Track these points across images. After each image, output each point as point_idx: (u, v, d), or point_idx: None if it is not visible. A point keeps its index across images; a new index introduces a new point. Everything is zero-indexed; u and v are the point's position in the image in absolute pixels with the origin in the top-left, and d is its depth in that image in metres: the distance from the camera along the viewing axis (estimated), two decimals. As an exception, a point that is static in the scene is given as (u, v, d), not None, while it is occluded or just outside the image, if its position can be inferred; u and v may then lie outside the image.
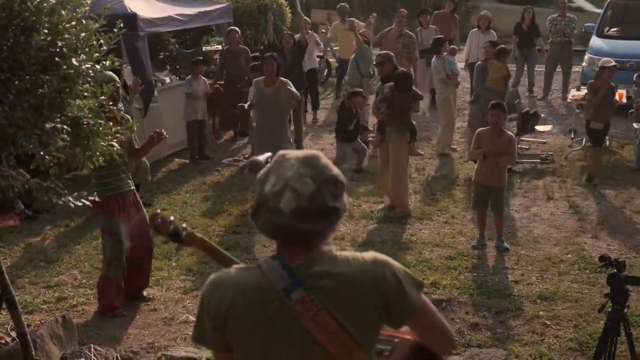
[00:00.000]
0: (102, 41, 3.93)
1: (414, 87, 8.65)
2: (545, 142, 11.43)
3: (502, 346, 5.46)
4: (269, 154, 2.46)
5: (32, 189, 4.11)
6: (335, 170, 2.16)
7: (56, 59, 3.71)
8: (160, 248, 7.10)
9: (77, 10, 3.87)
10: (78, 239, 7.74)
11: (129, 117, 6.18)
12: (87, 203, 4.02)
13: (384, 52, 9.68)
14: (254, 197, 2.17)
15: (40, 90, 3.70)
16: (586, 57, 14.08)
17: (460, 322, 5.83)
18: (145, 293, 6.35)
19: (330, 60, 16.45)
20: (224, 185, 9.66)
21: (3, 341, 4.99)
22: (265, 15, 13.80)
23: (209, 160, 10.75)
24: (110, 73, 5.44)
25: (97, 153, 4.04)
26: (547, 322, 5.83)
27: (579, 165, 10.22)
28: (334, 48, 15.29)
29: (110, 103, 4.17)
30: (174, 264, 7.05)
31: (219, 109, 11.82)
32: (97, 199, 4.17)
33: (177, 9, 11.11)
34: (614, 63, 9.46)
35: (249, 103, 8.79)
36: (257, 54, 11.32)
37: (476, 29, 13.31)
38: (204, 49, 14.44)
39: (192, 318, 5.73)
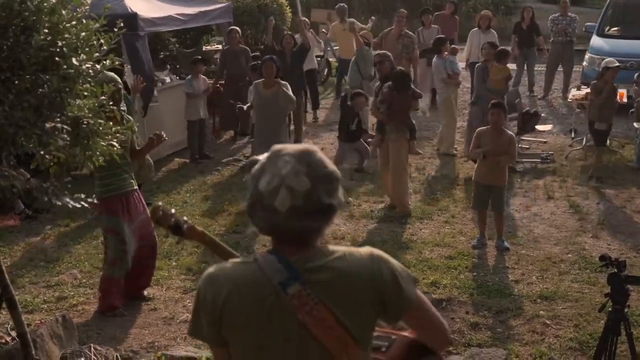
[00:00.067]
0: (102, 41, 3.93)
1: (412, 86, 8.66)
2: (545, 142, 11.43)
3: (502, 346, 5.46)
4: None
5: (33, 189, 4.11)
6: (330, 165, 2.15)
7: (56, 58, 3.70)
8: (160, 248, 7.09)
9: (78, 9, 3.87)
10: (78, 239, 7.74)
11: (130, 117, 6.19)
12: (86, 205, 4.02)
13: (381, 52, 9.71)
14: (248, 192, 2.16)
15: (40, 90, 3.70)
16: (587, 56, 14.08)
17: (461, 322, 5.83)
18: (145, 292, 6.35)
19: (330, 59, 16.44)
20: (224, 184, 9.66)
21: (3, 341, 4.98)
22: (267, 17, 13.83)
23: (209, 160, 10.75)
24: (112, 73, 5.45)
25: (97, 153, 4.04)
26: (548, 322, 5.82)
27: (579, 165, 10.22)
28: (334, 48, 15.28)
29: (111, 103, 4.17)
30: (174, 263, 7.05)
31: (218, 108, 11.83)
32: (95, 200, 4.17)
33: (178, 9, 11.12)
34: (617, 63, 9.43)
35: (248, 104, 8.80)
36: (258, 53, 11.32)
37: (476, 28, 13.31)
38: (204, 48, 14.44)
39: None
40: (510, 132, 7.53)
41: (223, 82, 11.66)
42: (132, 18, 9.41)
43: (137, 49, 9.71)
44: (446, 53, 10.95)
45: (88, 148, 3.97)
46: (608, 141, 10.17)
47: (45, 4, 3.67)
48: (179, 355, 5.13)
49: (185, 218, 2.76)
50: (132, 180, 6.04)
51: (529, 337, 5.60)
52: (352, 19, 14.72)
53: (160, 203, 2.84)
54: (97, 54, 3.91)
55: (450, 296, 6.28)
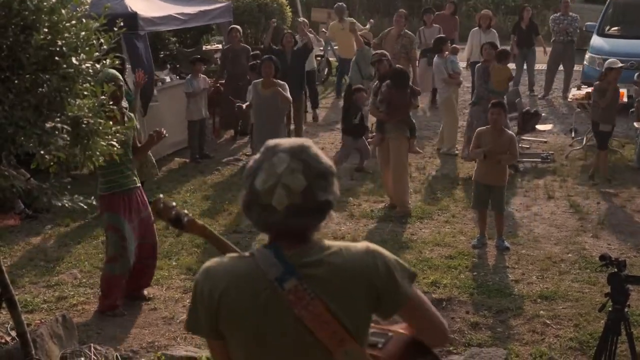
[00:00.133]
0: (102, 40, 3.93)
1: (410, 84, 8.67)
2: (545, 141, 11.43)
3: (502, 345, 5.45)
4: None
5: (33, 189, 4.11)
6: (325, 160, 2.15)
7: (56, 58, 3.70)
8: (160, 247, 7.08)
9: (77, 9, 3.87)
10: (78, 239, 7.74)
11: (131, 115, 6.19)
12: (84, 206, 4.02)
13: (379, 51, 9.72)
14: (244, 189, 2.16)
15: (40, 89, 3.70)
16: (587, 56, 14.07)
17: (461, 322, 5.83)
18: (145, 292, 6.35)
19: (330, 59, 16.45)
20: (224, 184, 9.66)
21: (3, 340, 4.98)
22: (267, 17, 13.84)
23: (209, 160, 10.75)
24: (113, 71, 5.44)
25: (97, 153, 4.03)
26: (548, 322, 5.82)
27: (579, 165, 10.22)
28: (334, 47, 15.29)
29: (111, 102, 4.16)
30: (174, 263, 7.05)
31: (219, 108, 11.82)
32: (95, 202, 4.17)
33: (178, 8, 11.11)
34: (620, 64, 9.39)
35: (247, 103, 8.80)
36: (257, 52, 11.31)
37: (477, 28, 13.30)
38: (204, 48, 14.44)
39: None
40: (510, 132, 7.53)
41: (223, 81, 11.66)
42: (132, 17, 9.41)
43: (138, 48, 9.71)
44: (447, 53, 10.95)
45: (88, 148, 3.97)
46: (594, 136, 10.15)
47: (44, 3, 3.67)
48: (179, 355, 5.13)
49: (185, 211, 2.76)
50: (135, 178, 6.04)
51: (529, 337, 5.60)
52: (351, 19, 14.73)
53: (161, 195, 2.83)
54: (97, 53, 3.90)
55: (450, 296, 6.28)
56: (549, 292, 6.31)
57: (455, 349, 5.43)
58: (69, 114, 3.83)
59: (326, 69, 16.53)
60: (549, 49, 14.41)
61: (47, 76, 3.69)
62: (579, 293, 6.30)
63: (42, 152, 3.79)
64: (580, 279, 6.58)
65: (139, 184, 6.11)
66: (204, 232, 2.81)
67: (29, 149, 3.78)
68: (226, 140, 12.13)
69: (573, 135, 11.54)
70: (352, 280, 2.10)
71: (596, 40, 14.29)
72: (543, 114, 12.57)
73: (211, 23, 13.06)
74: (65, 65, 3.72)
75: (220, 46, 14.05)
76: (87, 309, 6.16)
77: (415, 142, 8.84)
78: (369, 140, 10.11)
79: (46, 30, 3.67)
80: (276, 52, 10.53)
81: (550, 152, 10.63)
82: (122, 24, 4.11)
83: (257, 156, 2.16)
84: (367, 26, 14.63)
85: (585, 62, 14.06)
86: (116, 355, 5.19)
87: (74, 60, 3.74)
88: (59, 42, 3.69)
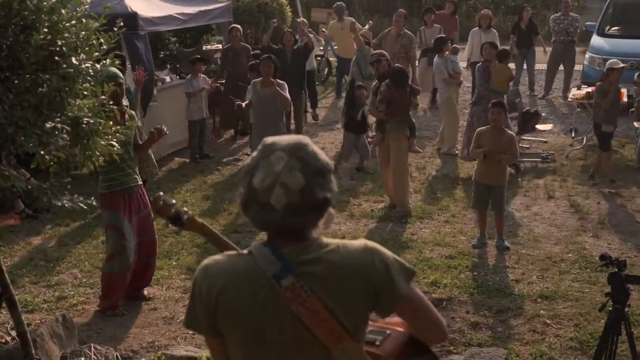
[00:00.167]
0: (102, 40, 3.93)
1: (409, 82, 8.67)
2: (546, 141, 11.42)
3: (502, 345, 5.45)
4: None
5: (33, 189, 4.11)
6: (322, 157, 2.15)
7: (56, 58, 3.70)
8: (160, 247, 7.09)
9: (77, 9, 3.87)
10: (78, 238, 7.74)
11: (132, 112, 6.19)
12: (84, 207, 4.02)
13: (378, 51, 9.72)
14: (242, 187, 2.16)
15: (40, 89, 3.70)
16: (587, 55, 14.07)
17: (461, 321, 5.83)
18: (145, 292, 6.35)
19: (330, 59, 16.45)
20: (224, 184, 9.66)
21: (3, 340, 4.98)
22: (267, 17, 13.83)
23: (209, 160, 10.75)
24: (114, 69, 5.44)
25: (97, 153, 4.03)
26: (548, 321, 5.82)
27: (579, 164, 10.21)
28: (334, 47, 15.29)
29: (111, 102, 4.16)
30: (174, 263, 7.05)
31: (219, 108, 11.82)
32: (95, 202, 4.18)
33: (178, 8, 11.11)
34: (622, 65, 9.36)
35: (246, 102, 8.81)
36: (258, 51, 11.32)
37: (477, 28, 13.30)
38: (204, 48, 14.44)
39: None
40: (510, 132, 7.52)
41: (224, 81, 11.65)
42: (132, 17, 9.41)
43: (138, 48, 9.71)
44: (447, 53, 10.94)
45: (88, 148, 3.97)
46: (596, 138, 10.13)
47: (44, 3, 3.66)
48: (179, 354, 5.13)
49: (185, 209, 2.76)
50: (136, 176, 6.04)
51: (530, 337, 5.60)
52: (351, 18, 14.73)
53: (161, 193, 2.83)
54: (96, 53, 3.90)
55: (450, 296, 6.28)
56: (549, 292, 6.30)
57: (456, 348, 5.43)
58: (69, 114, 3.83)
59: (326, 69, 16.53)
60: (548, 49, 14.41)
61: (47, 76, 3.69)
62: (579, 293, 6.30)
63: (42, 152, 3.79)
64: (581, 279, 6.58)
65: (140, 182, 6.10)
66: (203, 230, 2.80)
67: (29, 149, 3.78)
68: (226, 140, 12.13)
69: (573, 135, 11.54)
70: (350, 278, 2.11)
71: (596, 40, 14.29)
72: (543, 114, 12.57)
73: (211, 23, 13.06)
74: (65, 65, 3.72)
75: (220, 46, 14.05)
76: (87, 308, 6.16)
77: (415, 141, 8.84)
78: (369, 140, 10.10)
79: (46, 30, 3.67)
80: (276, 51, 10.52)
81: (550, 152, 10.63)
82: (122, 23, 4.11)
83: (254, 153, 2.16)
84: (366, 26, 14.63)
85: (585, 62, 14.06)
86: (116, 355, 5.19)
87: (73, 60, 3.74)
88: (59, 42, 3.69)
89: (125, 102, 6.42)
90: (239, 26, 11.92)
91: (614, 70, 9.18)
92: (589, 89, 11.30)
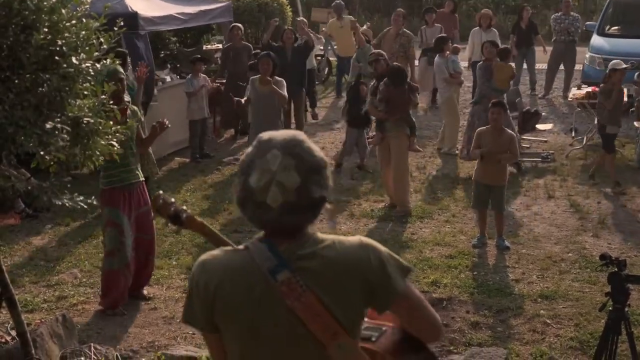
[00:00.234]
0: (102, 40, 3.93)
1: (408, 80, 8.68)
2: (546, 141, 11.42)
3: (502, 345, 5.45)
4: None
5: (33, 188, 4.11)
6: (318, 153, 2.15)
7: (56, 57, 3.70)
8: (160, 247, 7.09)
9: (77, 8, 3.87)
10: (78, 238, 7.74)
11: (135, 108, 6.18)
12: (84, 206, 4.02)
13: (376, 51, 9.73)
14: (238, 184, 2.16)
15: (40, 89, 3.70)
16: (587, 55, 14.07)
17: (461, 321, 5.83)
18: (145, 292, 6.35)
19: (330, 59, 16.46)
20: (225, 184, 9.66)
21: (3, 340, 4.98)
22: (267, 16, 13.83)
23: (210, 159, 10.75)
24: (115, 65, 5.42)
25: (97, 152, 4.03)
26: (548, 321, 5.82)
27: (579, 164, 10.21)
28: (334, 46, 15.30)
29: (111, 102, 4.16)
30: (174, 262, 7.05)
31: (219, 107, 11.82)
32: (95, 201, 4.18)
33: (178, 8, 11.11)
34: (625, 65, 9.32)
35: (245, 98, 8.82)
36: (259, 50, 11.32)
37: (477, 27, 13.30)
38: (204, 47, 14.44)
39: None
40: (510, 132, 7.51)
41: (224, 80, 11.64)
42: (132, 17, 9.41)
43: (138, 48, 9.71)
44: (448, 52, 10.93)
45: (88, 148, 3.97)
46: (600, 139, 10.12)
47: (45, 3, 3.67)
48: (179, 354, 5.13)
49: (184, 207, 2.77)
50: (138, 172, 6.04)
51: (530, 337, 5.60)
52: (350, 17, 14.73)
53: (161, 192, 2.83)
54: (97, 53, 3.90)
55: (450, 295, 6.28)
56: (549, 292, 6.30)
57: (456, 348, 5.43)
58: (69, 113, 3.83)
59: (326, 69, 16.53)
60: (548, 48, 14.42)
61: (47, 76, 3.69)
62: (580, 292, 6.30)
63: (42, 152, 3.79)
64: (581, 279, 6.58)
65: (141, 179, 6.09)
66: (202, 229, 2.81)
67: (29, 149, 3.78)
68: (226, 139, 12.13)
69: (573, 134, 11.53)
70: (346, 274, 2.11)
71: (596, 40, 14.29)
72: (543, 114, 12.58)
73: (211, 23, 13.06)
74: (65, 65, 3.72)
75: (220, 46, 14.05)
76: (87, 308, 6.16)
77: (416, 140, 8.83)
78: (369, 140, 10.10)
79: (46, 29, 3.67)
80: (276, 48, 10.52)
81: (550, 151, 10.62)
82: (122, 23, 4.11)
83: (250, 150, 2.17)
84: (364, 27, 14.64)
85: (585, 62, 14.06)
86: (116, 355, 5.19)
87: (74, 59, 3.74)
88: (59, 42, 3.69)
89: (127, 97, 6.40)
90: (240, 25, 11.92)
91: (617, 70, 9.14)
92: (589, 89, 11.31)
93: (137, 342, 5.58)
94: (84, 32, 3.80)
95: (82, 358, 4.95)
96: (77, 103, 3.88)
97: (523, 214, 8.35)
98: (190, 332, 5.58)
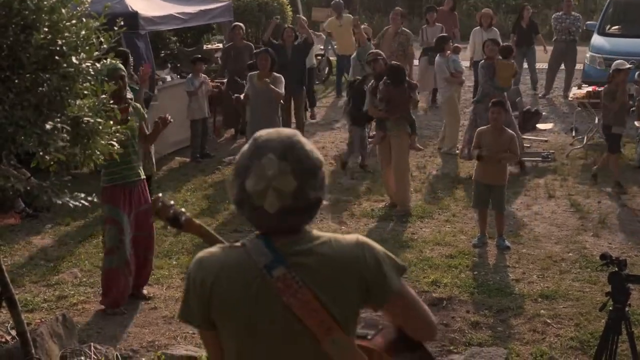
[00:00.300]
0: (102, 39, 3.93)
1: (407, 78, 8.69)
2: (546, 141, 11.42)
3: (503, 345, 5.45)
4: None
5: (33, 188, 4.11)
6: (314, 154, 2.15)
7: (56, 57, 3.70)
8: (160, 246, 7.10)
9: (77, 8, 3.87)
10: (78, 238, 7.74)
11: (137, 105, 6.18)
12: (86, 204, 4.02)
13: (374, 50, 9.73)
14: (234, 187, 2.17)
15: (40, 88, 3.70)
16: (588, 55, 14.07)
17: (461, 321, 5.83)
18: (145, 291, 6.35)
19: (331, 58, 16.46)
20: (225, 183, 9.65)
21: (3, 340, 4.98)
22: (267, 16, 13.82)
23: (210, 159, 10.75)
24: (118, 63, 5.41)
25: (97, 152, 4.03)
26: (548, 321, 5.82)
27: (580, 164, 10.21)
28: (334, 46, 15.30)
29: (111, 102, 4.16)
30: (174, 262, 7.05)
31: (219, 107, 11.81)
32: (96, 199, 4.17)
33: (178, 7, 11.11)
34: (628, 65, 9.29)
35: (243, 94, 8.84)
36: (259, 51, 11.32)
37: (478, 27, 13.29)
38: (205, 47, 14.44)
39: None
40: (510, 131, 7.50)
41: (225, 80, 11.63)
42: (132, 17, 9.42)
43: (138, 48, 9.71)
44: (449, 52, 10.92)
45: (88, 147, 3.97)
46: (605, 139, 10.11)
47: (45, 3, 3.66)
48: (179, 354, 5.13)
49: (183, 210, 2.77)
50: (139, 170, 6.04)
51: (530, 336, 5.59)
52: (349, 15, 14.73)
53: (160, 194, 2.84)
54: (97, 52, 3.90)
55: (450, 295, 6.28)
56: (550, 292, 6.30)
57: (456, 348, 5.43)
58: (69, 114, 3.83)
59: (327, 68, 16.53)
60: (549, 48, 14.42)
61: (47, 75, 3.69)
62: (580, 292, 6.30)
63: (41, 152, 3.79)
64: (581, 278, 6.57)
65: (143, 177, 6.09)
66: (200, 232, 2.81)
67: (29, 149, 3.78)
68: (226, 139, 12.13)
69: (574, 134, 11.53)
70: (342, 271, 2.12)
71: (597, 40, 14.29)
72: (544, 113, 12.59)
73: (212, 22, 13.06)
74: (65, 65, 3.72)
75: (220, 45, 14.05)
76: (87, 308, 6.16)
77: (417, 138, 8.82)
78: (370, 140, 10.10)
79: (46, 29, 3.67)
80: (276, 46, 10.52)
81: (550, 151, 10.62)
82: (122, 23, 4.10)
83: (245, 150, 2.17)
84: (363, 25, 14.66)
85: (585, 61, 14.06)
86: (116, 355, 5.19)
87: (74, 59, 3.73)
88: (59, 42, 3.69)
89: (129, 94, 6.39)
90: (241, 24, 11.91)
91: (621, 71, 9.11)
92: (590, 88, 11.31)
93: (137, 342, 5.58)
94: (84, 32, 3.80)
95: (82, 358, 4.95)
96: (77, 103, 3.87)
97: (523, 213, 8.35)
98: (191, 332, 5.58)
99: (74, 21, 3.79)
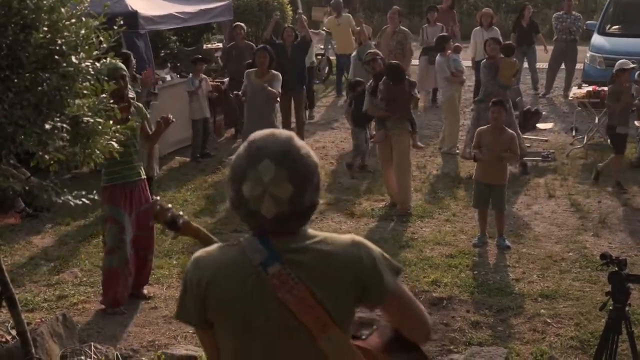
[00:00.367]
0: (102, 39, 3.92)
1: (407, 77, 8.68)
2: (546, 140, 11.42)
3: (503, 344, 5.44)
4: None
5: (33, 187, 4.11)
6: (310, 159, 2.15)
7: (56, 56, 3.70)
8: (160, 246, 7.09)
9: (77, 7, 3.86)
10: (79, 237, 7.74)
11: (139, 105, 6.17)
12: (87, 201, 4.02)
13: (372, 50, 9.73)
14: (231, 190, 2.17)
15: (40, 88, 3.69)
16: (588, 54, 14.06)
17: (461, 320, 5.83)
18: (145, 291, 6.35)
19: (331, 57, 16.46)
20: (225, 183, 9.64)
21: (3, 339, 4.98)
22: (267, 15, 13.82)
23: (210, 158, 10.75)
24: (118, 62, 5.41)
25: (97, 151, 4.03)
26: (548, 321, 5.81)
27: (580, 163, 10.21)
28: (334, 45, 15.30)
29: (111, 101, 4.16)
30: (174, 262, 7.04)
31: (219, 107, 11.81)
32: (96, 197, 4.17)
33: (178, 7, 11.12)
34: (632, 65, 9.28)
35: (241, 91, 8.85)
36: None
37: (479, 27, 13.28)
38: (205, 46, 14.44)
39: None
40: (510, 131, 7.49)
41: (226, 79, 11.62)
42: (132, 16, 9.42)
43: (138, 47, 9.71)
44: (449, 51, 10.91)
45: (88, 146, 3.97)
46: (609, 140, 10.10)
47: (44, 2, 3.66)
48: (179, 353, 5.13)
49: (181, 213, 2.77)
50: (140, 170, 6.04)
51: (530, 336, 5.59)
52: (349, 15, 14.72)
53: (157, 198, 2.84)
54: (96, 51, 3.90)
55: (451, 295, 6.28)
56: (550, 291, 6.30)
57: (456, 347, 5.43)
58: (69, 113, 3.83)
59: (327, 67, 16.53)
60: (549, 47, 14.41)
61: (46, 75, 3.68)
62: (580, 292, 6.29)
63: (41, 152, 3.79)
64: (581, 278, 6.57)
65: (143, 177, 6.09)
66: (197, 234, 2.82)
67: (28, 148, 3.78)
68: (227, 139, 12.13)
69: (574, 133, 11.52)
70: (337, 270, 2.13)
71: (597, 39, 14.28)
72: (544, 113, 12.59)
73: (212, 21, 13.06)
74: (64, 64, 3.71)
75: (220, 45, 14.04)
76: (87, 307, 6.16)
77: (417, 137, 8.81)
78: (371, 139, 10.09)
79: (46, 28, 3.66)
80: (277, 45, 10.52)
81: (551, 150, 10.62)
82: (122, 22, 4.10)
83: (241, 152, 2.17)
84: (360, 27, 14.66)
85: (586, 61, 14.05)
86: (116, 354, 5.19)
87: (73, 58, 3.73)
88: (59, 41, 3.69)
89: (132, 94, 6.39)
90: (242, 24, 11.90)
91: (625, 70, 9.09)
92: (590, 88, 11.30)
93: (138, 341, 5.58)
94: (83, 31, 3.80)
95: (83, 357, 4.94)
96: (77, 102, 3.87)
97: (524, 213, 8.35)
98: (191, 332, 5.58)
99: (73, 20, 3.78)
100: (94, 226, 7.90)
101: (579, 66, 14.51)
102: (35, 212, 8.31)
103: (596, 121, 10.68)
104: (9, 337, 4.97)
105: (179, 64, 12.75)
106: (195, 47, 14.08)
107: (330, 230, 7.35)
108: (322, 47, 16.25)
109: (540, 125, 12.03)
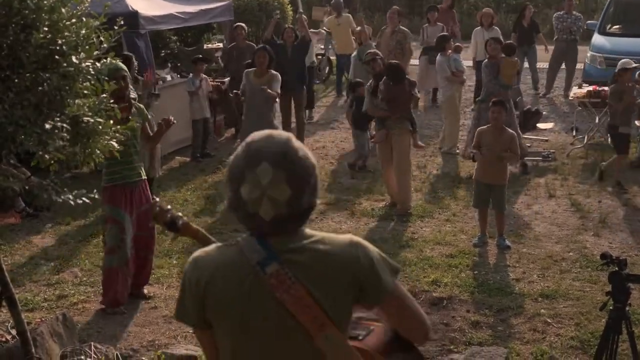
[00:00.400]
0: (102, 39, 3.93)
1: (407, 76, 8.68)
2: (547, 140, 11.41)
3: (503, 344, 5.45)
4: None
5: (33, 187, 4.11)
6: (308, 161, 2.16)
7: (56, 56, 3.70)
8: (160, 246, 7.09)
9: (77, 7, 3.87)
10: (79, 237, 7.74)
11: (140, 105, 6.17)
12: (87, 201, 4.02)
13: (372, 50, 9.73)
14: (229, 191, 2.18)
15: (40, 88, 3.70)
16: (588, 54, 14.07)
17: (461, 320, 5.83)
18: (145, 291, 6.35)
19: (331, 58, 16.46)
20: (223, 183, 9.64)
21: (3, 339, 4.98)
22: (268, 15, 13.82)
23: (210, 158, 10.75)
24: (119, 62, 5.41)
25: (97, 151, 4.03)
26: (549, 320, 5.81)
27: (580, 163, 10.21)
28: (335, 45, 15.30)
29: (112, 101, 4.16)
30: (174, 261, 7.04)
31: (220, 107, 11.81)
32: (97, 196, 4.17)
33: (178, 7, 11.12)
34: (634, 64, 9.27)
35: (240, 90, 8.86)
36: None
37: (479, 27, 13.28)
38: (205, 46, 14.44)
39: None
40: (511, 131, 7.49)
41: (227, 79, 11.62)
42: (132, 16, 9.42)
43: (138, 47, 9.71)
44: (450, 51, 10.91)
45: (88, 146, 3.97)
46: (610, 140, 10.10)
47: (45, 2, 3.66)
48: (179, 353, 5.13)
49: (180, 214, 2.78)
50: (141, 171, 6.04)
51: (530, 336, 5.59)
52: (349, 15, 14.71)
53: (157, 199, 2.85)
54: (97, 52, 3.90)
55: (451, 294, 6.28)
56: (550, 291, 6.30)
57: (456, 347, 5.43)
58: (69, 113, 3.83)
59: (327, 68, 16.52)
60: (550, 47, 14.41)
61: (47, 75, 3.69)
62: (580, 292, 6.29)
63: (41, 152, 3.79)
64: (581, 278, 6.57)
65: (144, 177, 6.09)
66: (197, 236, 2.82)
67: (29, 148, 3.78)
68: (227, 139, 12.12)
69: (574, 133, 11.51)
70: (335, 270, 2.13)
71: (597, 39, 14.28)
72: (544, 113, 12.59)
73: (212, 22, 13.07)
74: (65, 64, 3.72)
75: (220, 45, 14.04)
76: (87, 307, 6.16)
77: (418, 136, 8.81)
78: (371, 140, 10.09)
79: (46, 29, 3.67)
80: (277, 45, 10.52)
81: (551, 150, 10.62)
82: (122, 22, 4.10)
83: (239, 153, 2.17)
84: (358, 28, 14.67)
85: (586, 61, 14.05)
86: (116, 354, 5.19)
87: (74, 59, 3.73)
88: (59, 41, 3.69)
89: (133, 94, 6.39)
90: (243, 25, 11.90)
91: (627, 70, 9.07)
92: (590, 88, 11.30)
93: (138, 341, 5.58)
94: (84, 31, 3.80)
95: (83, 357, 4.95)
96: (77, 102, 3.87)
97: (524, 213, 8.35)
98: (191, 331, 5.58)
99: (74, 20, 3.79)
100: (94, 226, 7.90)
101: (579, 66, 14.50)
102: (36, 212, 8.31)
103: (597, 121, 10.68)
104: (9, 337, 4.97)
105: (179, 64, 12.74)
106: (196, 47, 14.09)
107: (330, 230, 7.36)
108: (322, 47, 16.25)
109: (540, 125, 12.03)
